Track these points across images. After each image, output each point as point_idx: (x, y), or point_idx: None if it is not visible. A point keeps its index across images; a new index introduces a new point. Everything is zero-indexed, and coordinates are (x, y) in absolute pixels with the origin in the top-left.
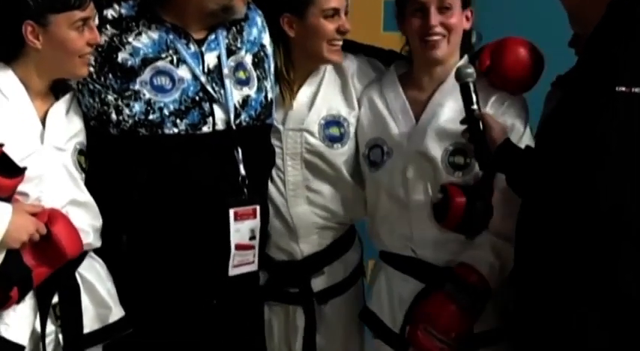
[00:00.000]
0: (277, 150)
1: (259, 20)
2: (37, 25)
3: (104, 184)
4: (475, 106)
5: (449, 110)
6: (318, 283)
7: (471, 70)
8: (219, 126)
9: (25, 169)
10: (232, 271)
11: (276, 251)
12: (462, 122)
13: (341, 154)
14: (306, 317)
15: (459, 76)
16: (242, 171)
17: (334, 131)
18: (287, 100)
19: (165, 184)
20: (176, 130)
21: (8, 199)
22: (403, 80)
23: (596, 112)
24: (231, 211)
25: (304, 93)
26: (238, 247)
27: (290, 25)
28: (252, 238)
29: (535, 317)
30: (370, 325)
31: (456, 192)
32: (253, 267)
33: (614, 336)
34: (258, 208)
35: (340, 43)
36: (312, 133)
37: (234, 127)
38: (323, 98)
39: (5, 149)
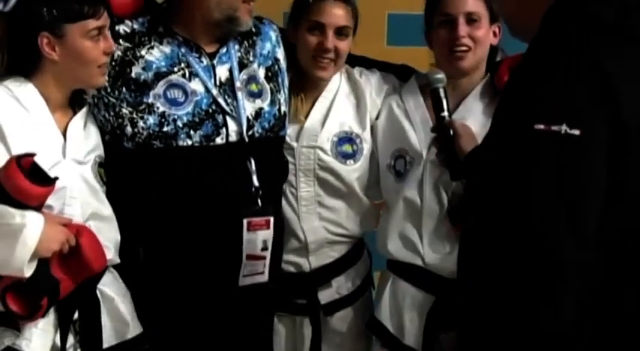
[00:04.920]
0: (291, 166)
1: (274, 35)
2: (52, 36)
3: (119, 199)
4: (445, 113)
5: (470, 124)
6: (325, 295)
7: (440, 75)
8: (233, 138)
9: (56, 178)
10: (242, 281)
11: (285, 263)
12: (433, 130)
13: (353, 171)
14: (312, 329)
15: (429, 82)
16: (255, 182)
17: (347, 148)
18: (300, 116)
19: (180, 195)
20: (190, 142)
21: (38, 209)
22: (424, 90)
23: (515, 149)
24: (245, 221)
25: (318, 109)
26: (249, 257)
27: (292, 33)
28: (264, 249)
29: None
30: (377, 335)
31: None
32: (263, 277)
33: None
34: (272, 219)
35: (325, 60)
36: (324, 150)
37: (246, 139)
38: (336, 114)
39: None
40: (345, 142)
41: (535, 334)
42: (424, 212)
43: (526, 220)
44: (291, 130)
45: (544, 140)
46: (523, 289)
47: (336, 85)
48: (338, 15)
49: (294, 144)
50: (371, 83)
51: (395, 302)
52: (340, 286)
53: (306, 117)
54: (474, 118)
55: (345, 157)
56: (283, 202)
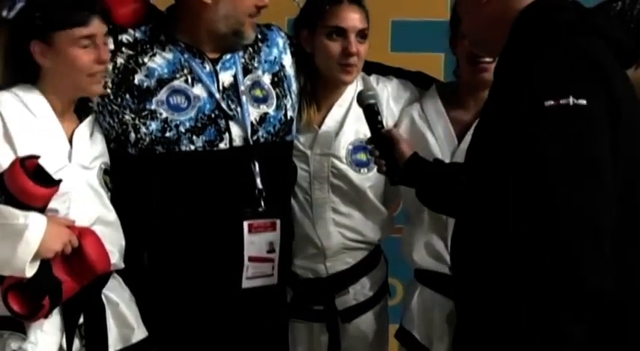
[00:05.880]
0: (304, 173)
1: (281, 41)
2: (43, 44)
3: (124, 205)
4: (380, 125)
5: None
6: (342, 302)
7: (372, 92)
8: (237, 142)
9: (60, 181)
10: (246, 283)
11: (302, 269)
12: (368, 142)
13: (367, 179)
14: (329, 335)
15: (362, 99)
16: (259, 184)
17: (361, 156)
18: (313, 123)
19: (183, 200)
20: (192, 147)
21: (42, 210)
22: (445, 100)
23: (527, 131)
24: (245, 223)
25: (333, 117)
26: (252, 259)
27: (306, 41)
28: (271, 251)
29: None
30: (406, 344)
31: None
32: (272, 280)
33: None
34: (278, 221)
35: (351, 65)
36: (339, 158)
37: (251, 142)
38: (352, 122)
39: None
40: (360, 151)
41: (582, 294)
42: (449, 221)
43: (556, 189)
44: (304, 138)
45: (556, 114)
46: (565, 258)
47: (352, 92)
48: (356, 18)
49: (308, 151)
50: (388, 91)
51: (423, 311)
52: (357, 293)
53: (320, 125)
54: None
55: (359, 165)
56: (297, 208)
